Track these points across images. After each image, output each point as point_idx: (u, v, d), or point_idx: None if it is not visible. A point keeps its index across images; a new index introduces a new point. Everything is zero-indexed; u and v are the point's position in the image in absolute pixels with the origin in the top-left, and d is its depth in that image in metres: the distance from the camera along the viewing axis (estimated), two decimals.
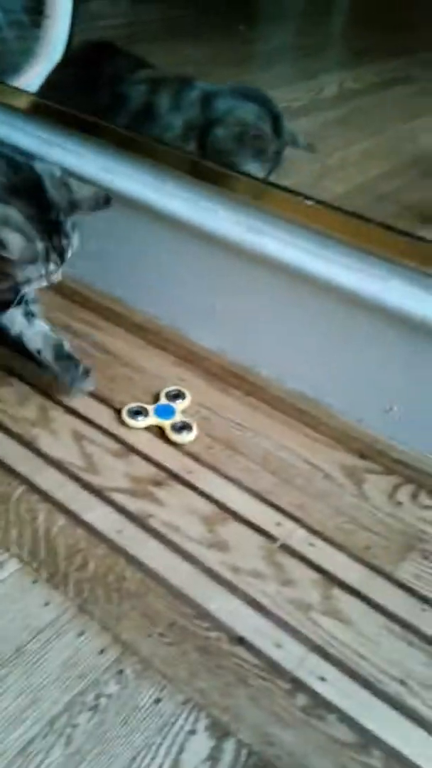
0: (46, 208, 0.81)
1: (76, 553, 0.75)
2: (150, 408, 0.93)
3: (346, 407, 0.96)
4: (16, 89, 1.25)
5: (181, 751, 0.60)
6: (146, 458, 0.88)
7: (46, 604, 0.70)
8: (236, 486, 0.86)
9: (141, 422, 0.91)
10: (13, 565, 0.74)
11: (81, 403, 0.95)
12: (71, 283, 1.02)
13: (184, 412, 0.94)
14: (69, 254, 0.84)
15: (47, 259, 0.82)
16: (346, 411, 0.96)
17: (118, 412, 0.93)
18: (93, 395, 0.96)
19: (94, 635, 0.68)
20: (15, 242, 0.78)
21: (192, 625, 0.70)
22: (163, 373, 1.02)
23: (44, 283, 0.86)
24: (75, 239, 0.85)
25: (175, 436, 0.90)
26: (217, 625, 0.70)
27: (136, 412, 0.92)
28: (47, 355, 0.92)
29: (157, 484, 0.85)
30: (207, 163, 1.02)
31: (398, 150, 1.72)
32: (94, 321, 1.10)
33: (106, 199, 0.84)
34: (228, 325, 1.03)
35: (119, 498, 0.82)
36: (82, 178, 1.06)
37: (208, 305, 1.04)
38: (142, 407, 0.93)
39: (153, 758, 0.60)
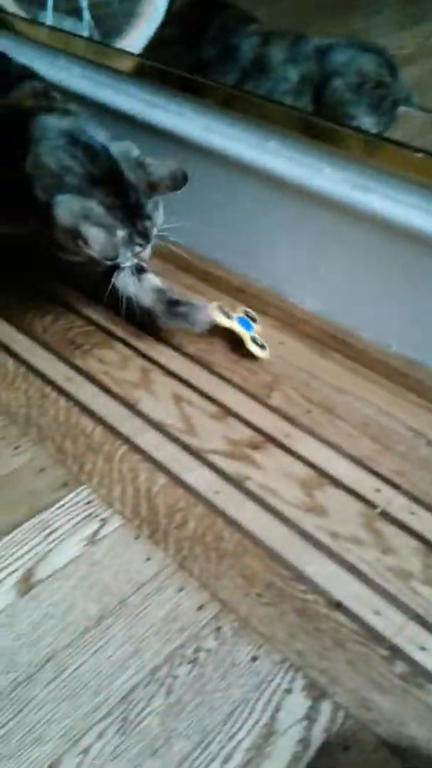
0: (125, 193, 0.81)
1: (176, 512, 0.77)
2: (234, 315, 0.98)
3: None
4: (120, 51, 1.25)
5: (277, 708, 0.61)
6: (244, 421, 0.88)
7: (148, 559, 0.73)
8: (335, 451, 0.85)
9: (226, 321, 0.95)
10: (116, 521, 0.76)
11: (181, 366, 0.96)
12: (171, 247, 1.03)
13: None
14: (153, 234, 0.84)
15: (131, 243, 0.83)
16: None
17: (216, 374, 0.95)
18: (192, 358, 0.97)
19: (193, 591, 0.70)
20: (96, 238, 0.79)
21: (289, 588, 0.70)
22: (262, 336, 1.01)
23: (133, 261, 0.87)
24: (158, 217, 0.84)
25: (255, 348, 0.96)
26: (315, 588, 0.70)
27: (226, 313, 0.96)
28: (159, 306, 0.94)
29: (255, 447, 0.85)
30: (313, 119, 0.98)
31: None
32: (193, 285, 1.10)
33: (183, 176, 0.83)
34: (330, 287, 1.01)
35: (217, 460, 0.83)
36: (183, 139, 1.06)
37: (309, 267, 1.02)
38: (229, 312, 0.97)
39: (250, 713, 0.61)
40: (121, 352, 0.98)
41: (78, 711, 0.61)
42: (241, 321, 0.97)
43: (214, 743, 0.59)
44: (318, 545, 0.74)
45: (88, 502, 0.78)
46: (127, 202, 0.81)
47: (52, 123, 0.85)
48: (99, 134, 0.84)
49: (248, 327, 0.98)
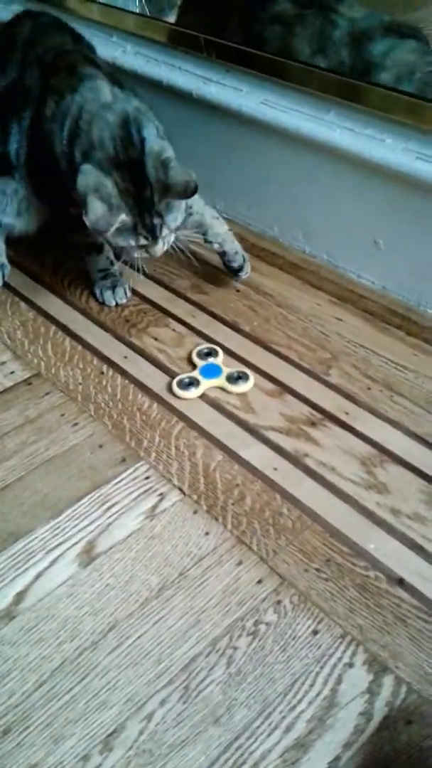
0: (142, 185, 0.84)
1: (233, 488, 0.79)
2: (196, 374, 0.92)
3: None
4: (172, 26, 1.26)
5: (339, 681, 0.63)
6: (301, 398, 0.90)
7: (207, 533, 0.75)
8: (396, 428, 0.85)
9: (193, 392, 0.90)
10: (174, 496, 0.79)
11: (237, 343, 0.97)
12: (228, 224, 1.04)
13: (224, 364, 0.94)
14: (163, 233, 0.87)
15: (135, 233, 0.86)
16: None
17: (272, 351, 0.96)
18: (248, 336, 0.99)
19: (252, 566, 0.72)
20: (96, 210, 0.82)
21: (349, 564, 0.71)
22: (320, 313, 1.02)
23: (144, 256, 0.89)
24: (170, 219, 0.87)
25: (233, 387, 0.90)
26: (375, 564, 0.71)
27: (188, 383, 0.91)
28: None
29: (312, 424, 0.86)
30: (371, 87, 0.97)
31: None
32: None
33: (194, 188, 0.85)
34: (391, 261, 1.01)
35: (274, 437, 0.85)
36: (240, 114, 1.07)
37: (369, 241, 1.02)
38: (192, 378, 0.91)
39: (312, 685, 0.63)
40: (176, 329, 1.00)
41: (141, 678, 0.64)
42: (205, 369, 0.92)
43: (275, 713, 0.61)
44: (378, 522, 0.75)
45: (147, 477, 0.81)
46: (140, 194, 0.85)
47: (120, 98, 0.89)
48: (149, 126, 0.87)
49: (215, 372, 0.92)
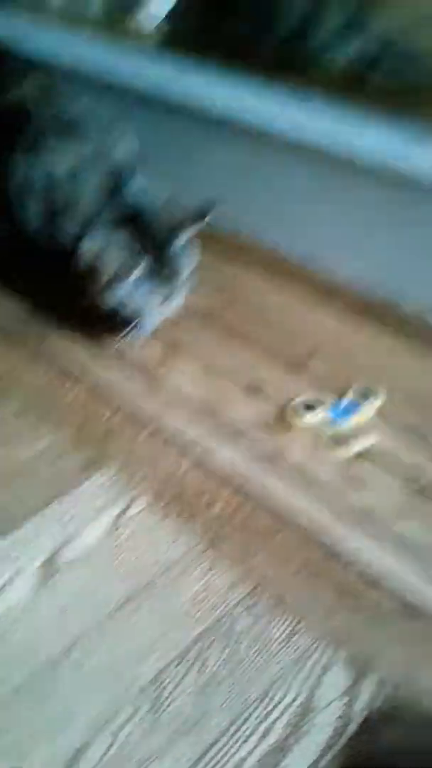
0: (149, 233, 0.89)
1: (203, 492, 0.80)
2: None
3: None
4: (138, 25, 1.28)
5: (317, 684, 0.63)
6: (276, 395, 0.90)
7: (175, 540, 0.75)
8: (375, 423, 0.86)
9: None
10: (141, 503, 0.79)
11: (211, 340, 0.99)
12: (217, 232, 1.05)
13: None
14: (179, 278, 0.91)
15: (153, 284, 0.89)
16: None
17: (249, 347, 0.97)
18: (224, 332, 0.99)
19: (224, 570, 0.72)
20: (113, 259, 0.86)
21: (326, 564, 0.72)
22: (297, 308, 1.03)
23: (162, 314, 0.92)
24: (185, 263, 0.91)
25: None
26: (353, 565, 0.72)
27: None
28: None
29: (286, 422, 0.87)
30: (352, 80, 1.00)
31: None
32: (225, 258, 1.10)
33: (205, 210, 0.91)
34: (368, 255, 1.02)
35: (246, 438, 0.85)
36: (214, 111, 1.09)
37: (345, 236, 1.04)
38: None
39: (288, 689, 0.63)
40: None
41: (108, 693, 0.64)
42: (336, 410, 0.88)
43: (251, 719, 0.61)
44: (355, 522, 0.76)
45: (112, 485, 0.81)
46: (150, 242, 0.89)
47: (88, 157, 0.93)
48: (136, 178, 0.93)
49: (342, 413, 0.87)
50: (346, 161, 0.98)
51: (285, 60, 1.05)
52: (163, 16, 1.34)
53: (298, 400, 0.89)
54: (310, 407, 0.88)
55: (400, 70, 1.03)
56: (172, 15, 1.37)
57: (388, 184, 0.95)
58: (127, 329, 0.92)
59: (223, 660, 0.65)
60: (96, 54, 1.23)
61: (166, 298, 0.91)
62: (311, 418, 0.86)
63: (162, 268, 0.89)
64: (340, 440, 0.84)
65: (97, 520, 0.77)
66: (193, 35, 1.17)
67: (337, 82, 1.00)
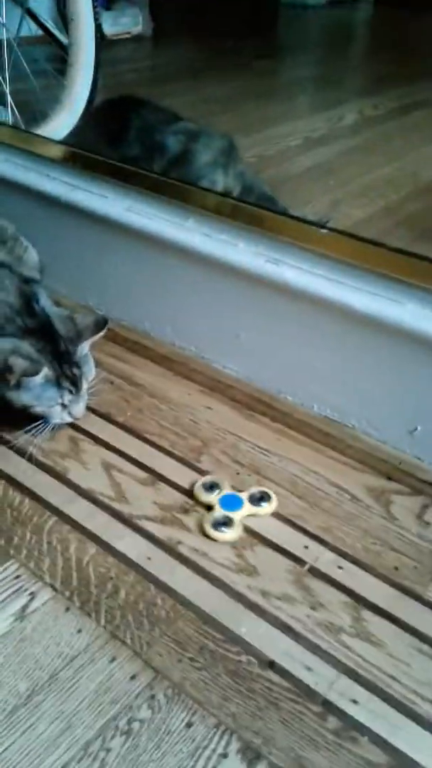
0: (55, 341, 0.91)
1: (107, 581, 0.77)
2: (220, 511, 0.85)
3: (371, 429, 0.97)
4: (43, 137, 1.31)
5: None
6: (174, 486, 0.90)
7: (79, 631, 0.72)
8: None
9: (230, 534, 0.83)
10: (46, 594, 0.76)
11: (110, 434, 0.98)
12: (115, 330, 1.07)
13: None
14: (83, 385, 0.93)
15: (60, 386, 0.90)
16: (371, 433, 0.97)
17: (145, 440, 0.96)
18: (122, 426, 0.99)
19: (126, 661, 0.70)
20: (20, 364, 0.87)
21: (222, 650, 0.71)
22: (190, 402, 1.04)
23: (67, 418, 0.93)
24: (87, 370, 0.94)
25: (211, 531, 0.83)
26: (247, 649, 0.71)
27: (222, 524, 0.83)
28: None
29: (185, 511, 0.86)
30: (225, 199, 1.05)
31: (419, 174, 1.75)
32: (121, 354, 1.13)
33: (104, 321, 0.94)
34: (252, 353, 1.06)
35: (148, 526, 0.84)
36: (107, 220, 1.11)
37: (232, 335, 1.07)
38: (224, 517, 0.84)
39: None
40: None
41: None
42: (224, 499, 0.86)
43: None
44: (249, 605, 0.75)
45: (17, 577, 0.78)
46: (57, 348, 0.91)
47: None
48: (41, 293, 0.95)
49: (235, 503, 0.86)
50: (226, 268, 1.01)
51: (166, 183, 1.12)
52: (67, 132, 1.38)
53: (202, 480, 0.89)
54: (213, 487, 0.88)
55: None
56: (75, 129, 1.42)
57: (259, 288, 1.00)
58: (33, 426, 0.92)
59: (123, 754, 0.62)
60: (4, 159, 1.24)
61: (71, 403, 0.92)
62: (214, 498, 0.86)
63: (66, 375, 0.91)
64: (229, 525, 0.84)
65: (2, 613, 0.74)
66: (92, 149, 1.20)
67: (209, 203, 1.07)
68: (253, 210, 1.01)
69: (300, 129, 2.04)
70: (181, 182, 1.09)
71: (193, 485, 0.89)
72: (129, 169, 1.12)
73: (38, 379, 0.88)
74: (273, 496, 0.87)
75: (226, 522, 0.83)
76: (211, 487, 0.88)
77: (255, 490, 0.87)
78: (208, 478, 0.90)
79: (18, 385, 0.88)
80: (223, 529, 0.83)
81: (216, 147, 1.30)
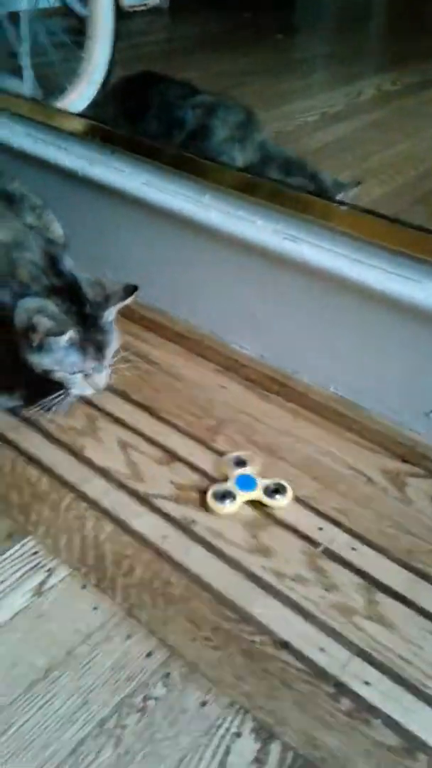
0: (81, 303, 0.87)
1: (123, 559, 0.77)
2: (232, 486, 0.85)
3: (388, 411, 0.96)
4: (60, 110, 1.28)
5: (227, 752, 0.61)
6: (190, 465, 0.89)
7: (95, 608, 0.72)
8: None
9: (229, 506, 0.82)
10: (63, 571, 0.75)
11: (126, 412, 0.97)
12: (134, 308, 1.05)
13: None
14: (108, 351, 0.89)
15: (84, 351, 0.86)
16: (387, 415, 0.96)
17: (161, 419, 0.95)
18: (138, 404, 0.98)
19: (141, 639, 0.69)
20: (45, 323, 0.83)
21: (236, 630, 0.70)
22: (205, 381, 1.03)
23: (88, 389, 0.89)
24: (113, 338, 0.89)
25: (212, 502, 0.83)
26: (261, 629, 0.70)
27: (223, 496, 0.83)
28: None
29: (200, 490, 0.85)
30: (243, 174, 1.02)
31: None
32: (137, 332, 1.12)
33: (133, 288, 0.90)
34: (268, 332, 1.04)
35: (164, 504, 0.83)
36: (124, 194, 1.09)
37: (248, 313, 1.05)
38: (227, 491, 0.84)
39: (200, 759, 0.60)
40: None
41: (27, 766, 0.59)
42: (241, 478, 0.85)
43: None
44: (263, 586, 0.75)
45: (34, 553, 0.77)
46: (82, 311, 0.86)
47: (21, 230, 0.91)
48: (66, 257, 0.91)
49: (250, 484, 0.85)
50: (244, 245, 0.99)
51: (183, 157, 1.09)
52: (85, 105, 1.35)
53: (233, 454, 0.88)
54: (240, 463, 0.87)
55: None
56: (93, 104, 1.39)
57: (277, 265, 0.97)
58: (54, 396, 0.89)
59: (139, 731, 0.62)
60: (24, 133, 1.22)
61: (93, 371, 0.88)
62: (234, 473, 0.86)
63: (91, 340, 0.86)
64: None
65: (19, 589, 0.73)
66: (110, 125, 1.18)
67: (227, 179, 1.03)
68: (272, 186, 0.98)
69: (318, 104, 1.99)
70: (199, 157, 1.06)
71: (214, 463, 0.88)
72: (146, 143, 1.09)
73: (62, 341, 0.84)
74: (289, 490, 0.85)
75: (226, 495, 0.83)
76: (238, 462, 0.88)
77: (271, 481, 0.85)
78: (239, 454, 0.89)
79: (41, 347, 0.84)
80: (225, 501, 0.82)
81: (232, 122, 1.26)
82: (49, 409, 0.91)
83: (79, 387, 0.89)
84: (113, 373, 0.96)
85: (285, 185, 1.00)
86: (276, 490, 0.84)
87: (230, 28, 2.75)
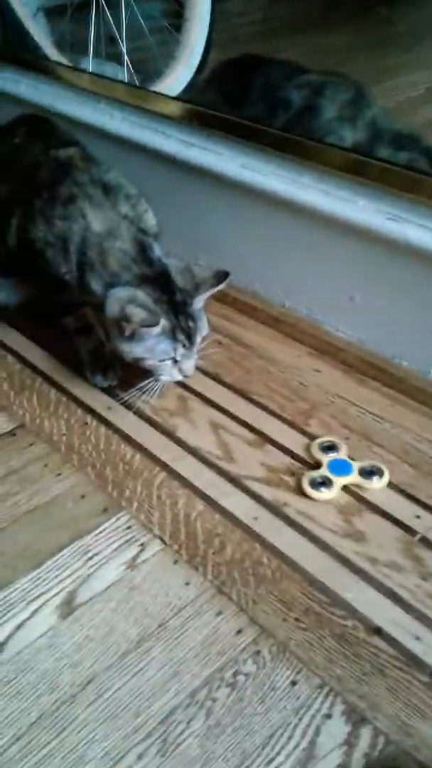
0: (172, 291, 0.89)
1: (214, 537, 0.79)
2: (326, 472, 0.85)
3: None
4: (158, 94, 1.31)
5: (317, 733, 0.62)
6: (282, 448, 0.90)
7: (187, 583, 0.74)
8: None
9: (326, 493, 0.83)
10: (155, 546, 0.78)
11: (218, 394, 0.98)
12: (226, 291, 1.06)
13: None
14: (197, 338, 0.91)
15: (175, 339, 0.88)
16: None
17: (253, 402, 0.97)
18: (229, 387, 1.00)
19: (231, 616, 0.71)
20: (137, 313, 0.85)
21: (328, 613, 0.71)
22: (299, 365, 1.03)
23: (177, 376, 0.92)
24: (202, 325, 0.91)
25: (309, 489, 0.83)
26: (354, 614, 0.71)
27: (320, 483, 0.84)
28: None
29: (292, 473, 0.86)
30: (345, 153, 1.02)
31: None
32: (231, 315, 1.14)
33: (225, 274, 0.91)
34: (367, 315, 1.03)
35: (255, 486, 0.85)
36: (221, 177, 1.11)
37: (346, 296, 1.04)
38: (323, 477, 0.84)
39: (290, 738, 0.62)
40: None
41: (118, 732, 0.62)
42: (333, 465, 0.86)
43: (253, 766, 0.60)
44: (356, 571, 0.75)
45: (128, 527, 0.81)
46: (173, 299, 0.89)
47: (115, 220, 0.94)
48: (155, 245, 0.94)
49: (345, 468, 0.85)
50: (344, 226, 0.98)
51: (283, 138, 1.08)
52: (182, 88, 1.37)
53: (322, 438, 0.89)
54: (330, 448, 0.88)
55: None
56: (190, 87, 1.41)
57: (378, 246, 0.96)
58: (145, 381, 0.92)
59: (229, 705, 0.64)
60: (121, 118, 1.25)
61: (183, 358, 0.90)
62: (325, 458, 0.86)
63: (181, 327, 0.89)
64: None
65: (114, 561, 0.77)
66: (208, 108, 1.19)
67: (333, 159, 1.02)
68: (376, 164, 0.97)
69: (421, 79, 1.93)
70: (300, 137, 1.06)
71: (306, 447, 0.89)
72: (245, 124, 1.10)
73: (155, 330, 0.86)
74: (386, 472, 0.84)
75: (324, 482, 0.83)
76: (328, 447, 0.88)
77: (368, 463, 0.85)
78: (327, 438, 0.89)
79: (132, 336, 0.87)
80: (321, 489, 0.83)
81: (341, 100, 1.24)
82: (142, 394, 0.94)
83: (168, 373, 0.91)
84: (205, 356, 0.98)
85: (390, 163, 0.97)
86: (372, 472, 0.84)
87: (327, 5, 2.71)
